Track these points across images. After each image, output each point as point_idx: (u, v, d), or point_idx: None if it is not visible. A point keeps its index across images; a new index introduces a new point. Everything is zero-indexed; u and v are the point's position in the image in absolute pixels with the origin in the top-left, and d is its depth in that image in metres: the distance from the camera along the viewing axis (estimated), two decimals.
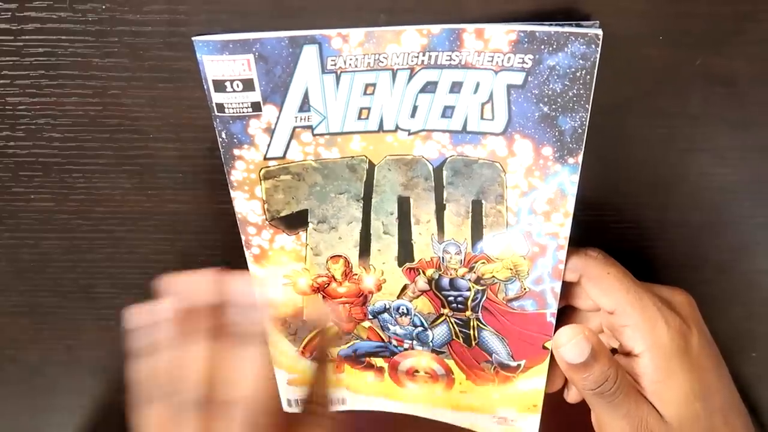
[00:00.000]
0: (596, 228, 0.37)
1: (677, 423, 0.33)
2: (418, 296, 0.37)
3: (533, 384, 0.39)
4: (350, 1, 0.29)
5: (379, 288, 0.37)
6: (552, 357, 0.38)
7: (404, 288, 0.37)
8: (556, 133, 0.30)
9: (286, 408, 0.44)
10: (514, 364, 0.39)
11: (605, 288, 0.34)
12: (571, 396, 0.40)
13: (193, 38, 0.29)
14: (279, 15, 0.30)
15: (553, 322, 0.36)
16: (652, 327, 0.33)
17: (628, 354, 0.34)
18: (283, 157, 0.32)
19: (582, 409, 0.36)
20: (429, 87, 0.30)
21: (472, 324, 0.38)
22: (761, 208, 0.37)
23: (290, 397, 0.44)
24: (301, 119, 0.31)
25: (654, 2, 0.30)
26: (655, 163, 0.35)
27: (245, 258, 0.36)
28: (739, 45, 0.31)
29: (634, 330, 0.33)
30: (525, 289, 0.35)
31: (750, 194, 0.36)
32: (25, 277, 0.41)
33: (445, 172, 0.33)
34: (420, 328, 0.39)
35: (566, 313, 0.38)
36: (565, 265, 0.34)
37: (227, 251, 0.38)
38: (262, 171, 0.33)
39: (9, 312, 0.43)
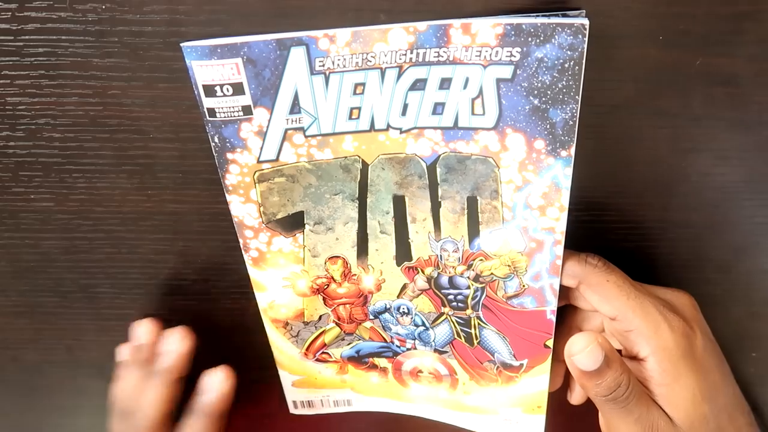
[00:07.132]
0: (598, 228, 0.38)
1: (687, 425, 0.33)
2: (418, 295, 0.38)
3: (537, 385, 0.40)
4: (350, 1, 0.30)
5: (378, 288, 0.38)
6: (554, 356, 0.38)
7: (404, 287, 0.37)
8: (548, 126, 0.31)
9: (292, 410, 0.45)
10: (516, 363, 0.39)
11: (605, 296, 0.34)
12: (575, 398, 0.40)
13: (182, 44, 0.29)
14: (279, 15, 0.30)
15: (553, 319, 0.36)
16: (656, 331, 0.33)
17: (633, 358, 0.34)
18: (276, 159, 0.33)
19: (587, 409, 0.36)
20: (418, 84, 0.30)
21: (473, 323, 0.38)
22: (762, 207, 0.37)
23: (296, 398, 0.44)
24: (292, 121, 0.31)
25: (654, 2, 0.30)
26: (656, 164, 0.35)
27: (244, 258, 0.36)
28: (739, 45, 0.31)
29: (637, 335, 0.34)
30: (524, 286, 0.35)
31: (751, 194, 0.36)
32: (25, 277, 0.41)
33: (438, 170, 0.33)
34: (422, 328, 0.39)
35: (567, 312, 0.38)
36: (563, 268, 0.35)
37: (227, 251, 0.38)
38: (256, 174, 0.33)
39: (9, 312, 0.43)
